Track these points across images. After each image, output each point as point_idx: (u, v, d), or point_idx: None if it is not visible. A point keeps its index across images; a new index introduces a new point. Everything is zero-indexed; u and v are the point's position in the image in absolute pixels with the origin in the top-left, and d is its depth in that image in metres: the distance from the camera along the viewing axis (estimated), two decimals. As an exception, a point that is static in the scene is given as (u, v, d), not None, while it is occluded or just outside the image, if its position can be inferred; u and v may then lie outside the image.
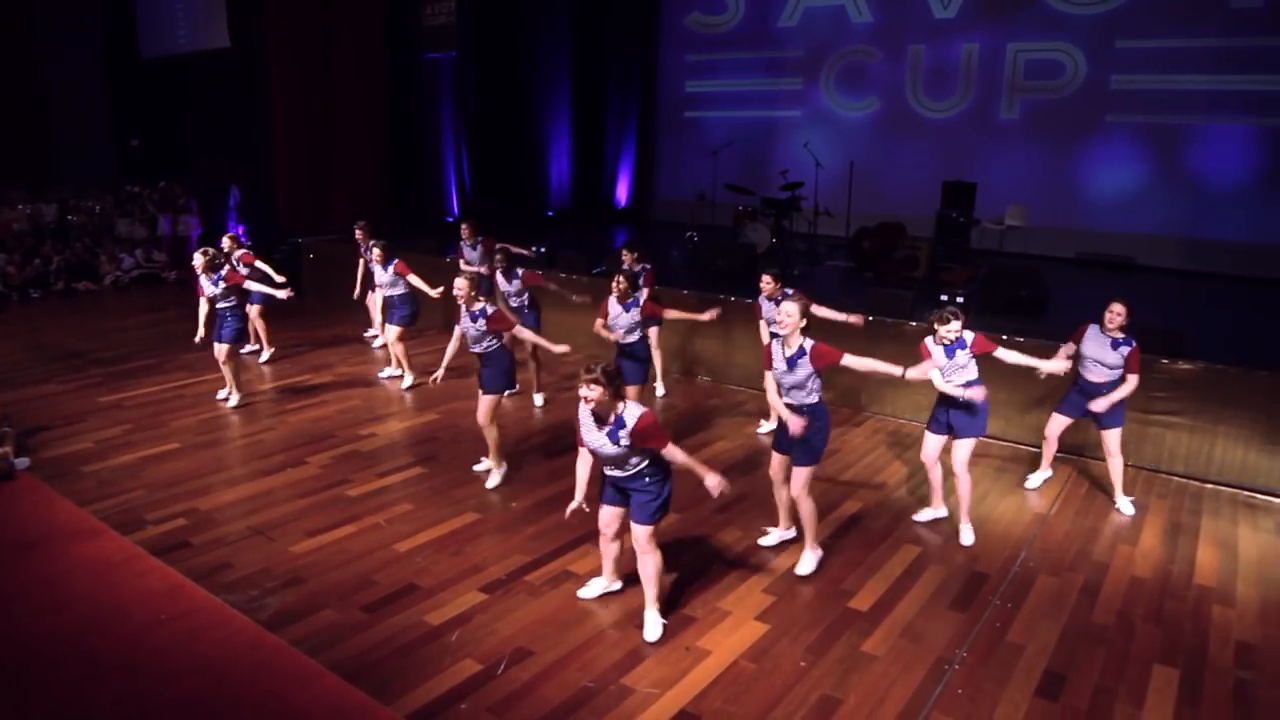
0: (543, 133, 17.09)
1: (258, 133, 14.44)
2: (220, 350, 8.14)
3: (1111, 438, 6.34)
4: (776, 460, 5.49)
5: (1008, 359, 5.72)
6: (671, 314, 7.25)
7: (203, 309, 8.16)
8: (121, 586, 5.06)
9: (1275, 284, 10.89)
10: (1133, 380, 6.07)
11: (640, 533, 4.60)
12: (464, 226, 10.00)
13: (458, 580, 5.23)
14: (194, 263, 8.09)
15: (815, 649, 4.62)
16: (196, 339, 8.25)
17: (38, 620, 4.72)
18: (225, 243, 9.54)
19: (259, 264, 9.49)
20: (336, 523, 5.94)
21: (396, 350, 9.02)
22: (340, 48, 14.39)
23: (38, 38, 16.44)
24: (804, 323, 5.07)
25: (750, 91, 15.54)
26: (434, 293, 8.53)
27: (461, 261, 9.83)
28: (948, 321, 5.54)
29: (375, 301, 10.00)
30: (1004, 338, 7.36)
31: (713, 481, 4.44)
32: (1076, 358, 6.31)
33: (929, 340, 5.72)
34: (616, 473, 4.57)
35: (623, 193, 17.12)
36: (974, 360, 5.66)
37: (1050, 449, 6.75)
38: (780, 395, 5.26)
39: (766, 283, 7.03)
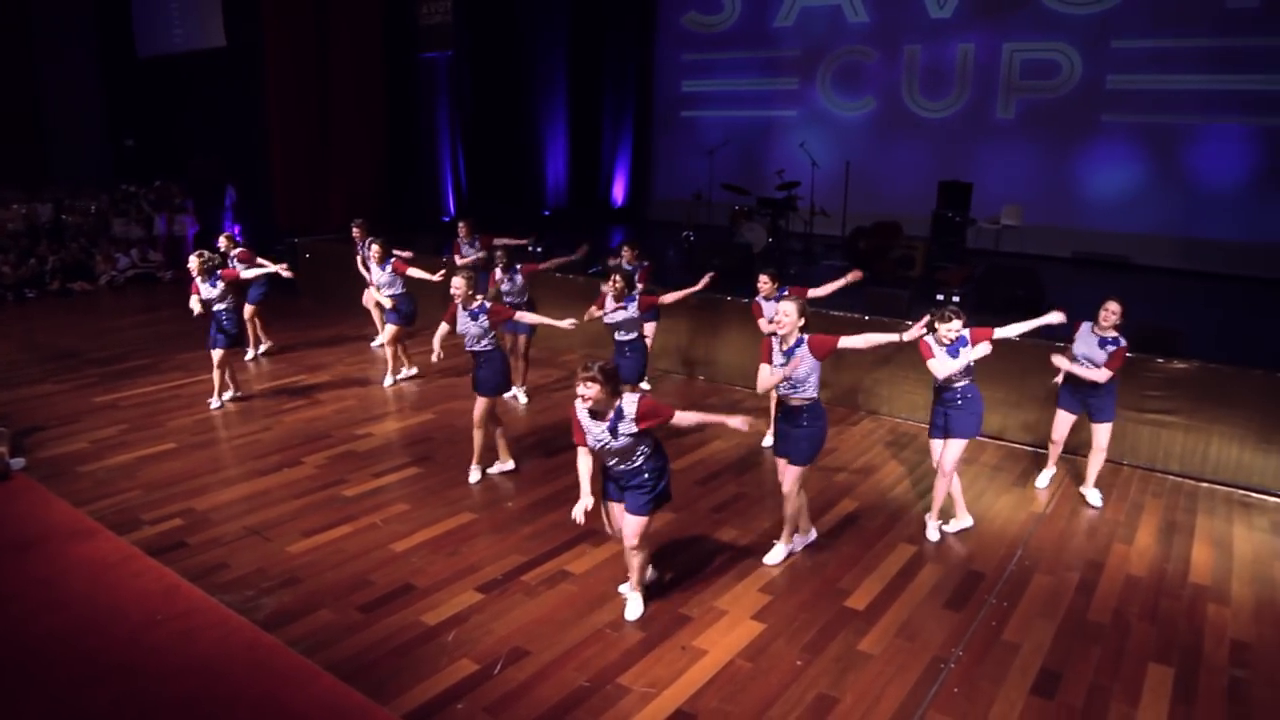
0: (539, 132, 17.07)
1: (254, 132, 14.43)
2: (216, 355, 8.12)
3: (1101, 431, 6.37)
4: (782, 465, 5.50)
5: (1010, 334, 5.68)
6: (668, 298, 7.23)
7: (195, 308, 8.01)
8: (118, 587, 5.06)
9: (1270, 283, 10.92)
10: (1104, 374, 6.05)
11: (633, 524, 4.62)
12: (461, 225, 9.97)
13: (454, 580, 5.23)
14: (189, 265, 8.04)
15: (811, 648, 4.63)
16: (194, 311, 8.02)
17: (34, 620, 4.72)
18: (222, 242, 9.53)
19: (258, 260, 9.51)
20: (333, 523, 5.94)
21: (389, 350, 9.01)
22: (337, 47, 14.37)
23: (32, 37, 16.41)
24: (802, 321, 5.08)
25: (746, 91, 15.54)
26: (436, 276, 8.51)
27: (458, 258, 9.81)
28: (948, 320, 5.53)
29: (371, 300, 9.97)
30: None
31: (736, 422, 4.51)
32: (1070, 358, 6.32)
33: (930, 339, 5.70)
34: (621, 467, 4.58)
35: (619, 192, 17.12)
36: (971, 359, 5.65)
37: (1056, 449, 6.78)
38: (777, 392, 5.26)
39: (764, 283, 7.03)
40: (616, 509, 4.80)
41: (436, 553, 5.56)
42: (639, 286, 7.99)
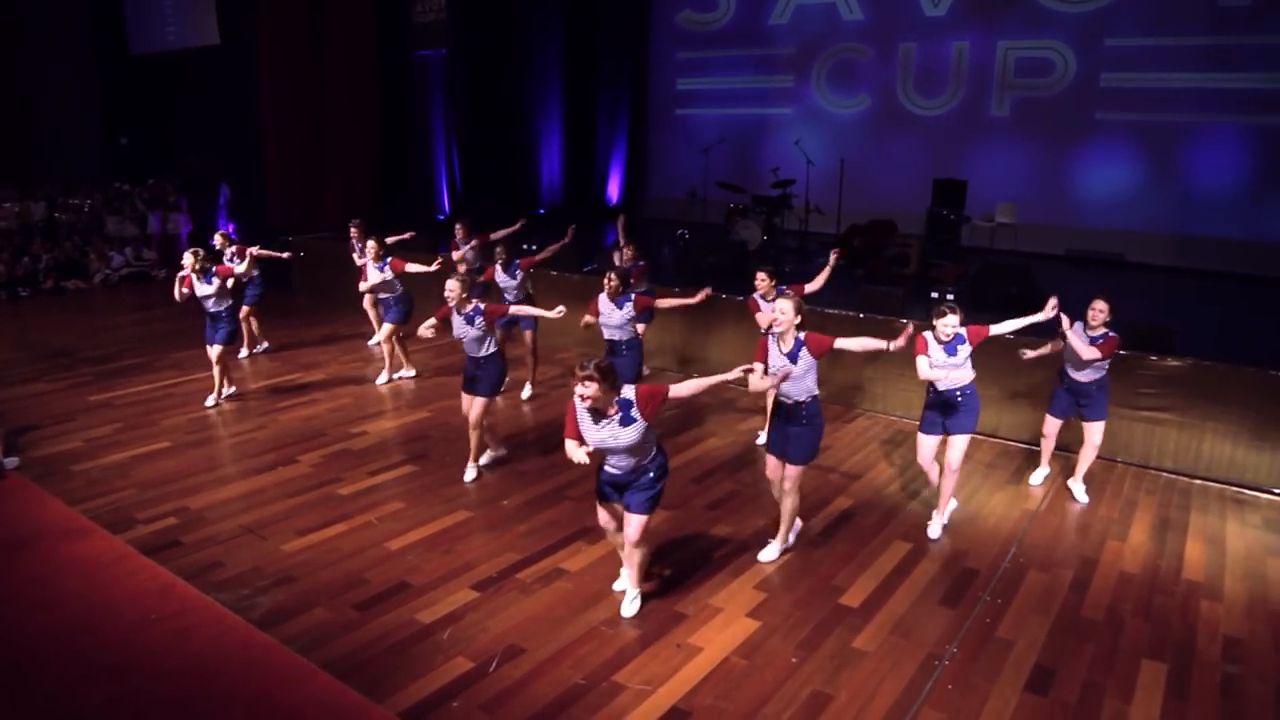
0: (534, 130, 17.05)
1: (248, 130, 14.41)
2: (213, 352, 8.10)
3: (1094, 429, 6.39)
4: (773, 463, 5.51)
5: (1005, 330, 5.67)
6: (664, 303, 7.19)
7: (178, 295, 7.94)
8: (112, 586, 5.05)
9: (1264, 281, 10.96)
10: (1094, 353, 6.02)
11: (636, 523, 4.61)
12: (458, 226, 9.92)
13: (449, 578, 5.23)
14: (184, 263, 8.01)
15: (806, 645, 4.64)
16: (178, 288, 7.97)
17: (29, 619, 4.71)
18: (217, 240, 9.51)
19: (253, 251, 9.53)
20: (328, 521, 5.93)
21: (385, 348, 9.00)
22: (331, 44, 14.34)
23: (26, 34, 16.35)
24: (799, 319, 5.08)
25: (741, 89, 15.55)
26: (433, 266, 8.50)
27: (454, 255, 9.78)
28: (944, 315, 5.54)
29: (376, 302, 9.94)
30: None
31: (733, 375, 4.54)
32: (1062, 357, 6.34)
33: (929, 335, 5.70)
34: (625, 464, 4.56)
35: (614, 190, 17.11)
36: (970, 357, 5.66)
37: (1049, 445, 6.80)
38: (776, 391, 5.26)
39: (762, 280, 7.01)
40: (607, 511, 4.82)
41: (431, 551, 5.56)
42: (634, 285, 8.00)
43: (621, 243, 8.78)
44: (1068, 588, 5.30)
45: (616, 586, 5.13)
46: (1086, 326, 6.15)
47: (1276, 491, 6.74)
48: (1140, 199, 12.16)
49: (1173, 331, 7.32)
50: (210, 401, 8.26)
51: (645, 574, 4.94)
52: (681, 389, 4.56)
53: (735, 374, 4.61)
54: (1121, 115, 12.18)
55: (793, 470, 5.29)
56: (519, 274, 8.41)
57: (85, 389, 8.72)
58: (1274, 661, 4.63)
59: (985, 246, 12.34)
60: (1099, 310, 6.08)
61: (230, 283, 8.20)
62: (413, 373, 9.28)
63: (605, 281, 7.02)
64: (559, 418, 8.06)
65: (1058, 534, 6.02)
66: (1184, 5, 11.50)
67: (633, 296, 7.02)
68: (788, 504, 5.39)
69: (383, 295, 8.94)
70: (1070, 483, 6.62)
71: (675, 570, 5.36)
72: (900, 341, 5.21)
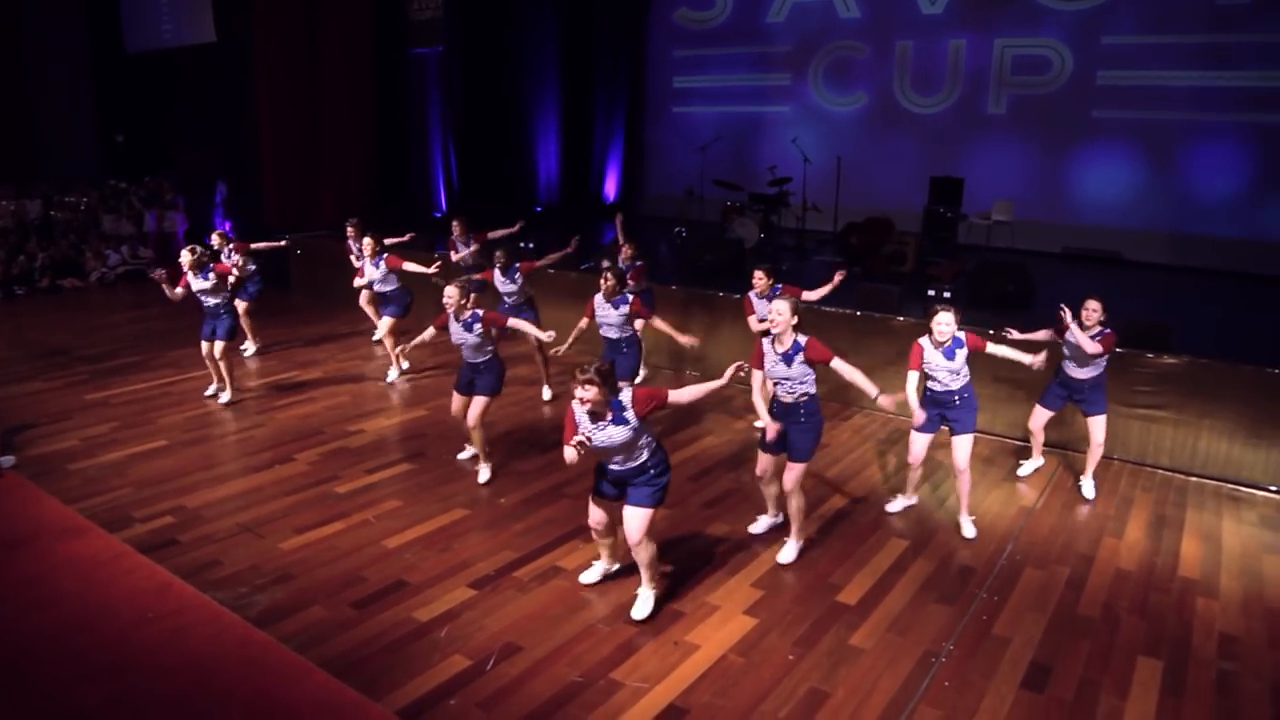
0: (531, 128, 17.05)
1: (244, 128, 14.39)
2: (217, 347, 8.08)
3: (1096, 426, 6.41)
4: (764, 460, 5.52)
5: (998, 353, 5.74)
6: (659, 325, 7.01)
7: (178, 290, 7.91)
8: (109, 584, 5.04)
9: (1261, 279, 10.97)
10: (1097, 348, 6.05)
11: (636, 517, 4.59)
12: (455, 224, 9.91)
13: (446, 576, 5.23)
14: (181, 260, 7.98)
15: (803, 642, 4.65)
16: (162, 280, 7.87)
17: (25, 619, 4.70)
18: (215, 240, 9.50)
19: (252, 246, 9.60)
20: (325, 519, 5.93)
21: (388, 343, 8.99)
22: (327, 42, 14.32)
23: (22, 32, 16.32)
24: (795, 320, 5.08)
25: (738, 87, 15.54)
26: (432, 269, 8.49)
27: (453, 255, 9.79)
28: (938, 314, 5.55)
29: (373, 299, 9.93)
30: (990, 332, 7.42)
31: (725, 379, 4.51)
32: (1061, 353, 6.36)
33: (925, 342, 5.70)
34: (626, 464, 4.56)
35: (611, 188, 17.10)
36: (967, 362, 5.67)
37: (1038, 440, 6.84)
38: (773, 387, 5.26)
39: (759, 278, 7.02)
40: (600, 511, 4.84)
41: (429, 549, 5.56)
42: (631, 285, 7.99)
43: (620, 241, 8.77)
44: (1064, 585, 5.31)
45: (584, 579, 5.15)
46: (1081, 327, 6.16)
47: (1272, 489, 6.75)
48: (1137, 197, 12.16)
49: (1170, 329, 7.33)
50: (224, 398, 8.22)
51: (655, 574, 4.86)
52: (680, 395, 4.57)
53: (727, 376, 4.57)
54: (1118, 113, 12.19)
55: (794, 469, 5.27)
56: (519, 278, 8.31)
57: (81, 387, 8.71)
58: (1269, 658, 4.64)
59: (982, 244, 12.35)
60: (1092, 310, 6.10)
61: (231, 279, 8.20)
62: (405, 365, 9.27)
63: (601, 281, 7.01)
64: (553, 416, 8.07)
65: (1054, 531, 6.03)
66: (1181, 3, 11.50)
67: (630, 299, 7.00)
68: (793, 504, 5.37)
69: (381, 290, 8.94)
70: (1081, 480, 6.63)
71: (673, 568, 5.36)
72: (883, 400, 5.15)
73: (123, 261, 14.65)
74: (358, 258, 9.52)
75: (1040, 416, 6.67)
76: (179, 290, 7.89)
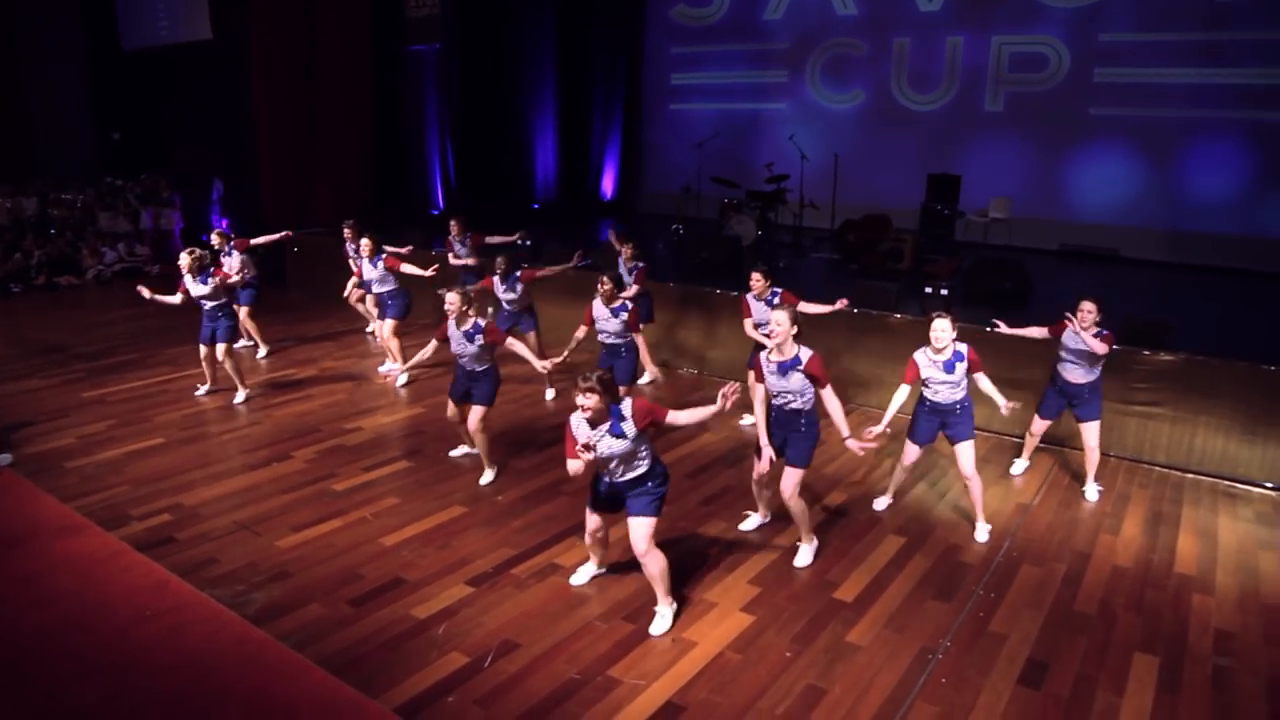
0: (528, 125, 17.04)
1: (241, 125, 14.37)
2: (218, 350, 8.05)
3: (1089, 431, 6.41)
4: (759, 468, 5.52)
5: (982, 386, 5.71)
6: (640, 342, 7.07)
7: (174, 298, 7.91)
8: (106, 582, 5.04)
9: (1258, 276, 11.00)
10: (1103, 347, 6.02)
11: (640, 527, 4.57)
12: (453, 223, 9.85)
13: (444, 574, 5.23)
14: (180, 262, 7.91)
15: (801, 639, 4.65)
16: (147, 294, 7.83)
17: (23, 617, 4.70)
18: (214, 239, 9.48)
19: (253, 241, 9.65)
20: (322, 517, 5.93)
21: (392, 345, 8.96)
22: (324, 39, 14.29)
23: (17, 29, 16.27)
24: (795, 329, 5.02)
25: (736, 84, 15.55)
26: (429, 271, 8.49)
27: (450, 255, 9.78)
28: (933, 320, 5.53)
29: (364, 297, 9.92)
30: (987, 329, 7.45)
31: (719, 406, 4.36)
32: (1057, 358, 6.36)
33: (921, 357, 5.68)
34: (625, 474, 4.54)
35: (608, 185, 17.11)
36: (966, 375, 5.67)
37: (1033, 443, 6.85)
38: (771, 400, 5.22)
39: (757, 281, 7.00)
40: (596, 520, 4.85)
41: (426, 546, 5.57)
42: (633, 289, 8.00)
43: (616, 245, 8.71)
44: (1060, 582, 5.32)
45: (574, 581, 5.15)
46: (1078, 329, 6.16)
47: (1268, 485, 6.77)
48: (1134, 194, 12.19)
49: (1166, 326, 7.34)
50: (239, 398, 8.21)
51: (668, 589, 4.76)
52: (678, 417, 4.52)
53: (724, 404, 4.38)
54: (1115, 110, 12.21)
55: (793, 474, 5.24)
56: (519, 286, 8.24)
57: (78, 385, 8.69)
58: (1265, 654, 4.66)
59: (979, 241, 12.37)
60: (1087, 312, 6.07)
61: (236, 279, 8.22)
62: (398, 366, 9.25)
63: (599, 286, 6.99)
64: (554, 414, 8.07)
65: (1050, 528, 6.04)
66: (1178, 0, 11.52)
67: (629, 307, 7.01)
68: (794, 510, 5.34)
69: (380, 291, 8.93)
70: (1085, 487, 6.60)
71: (670, 565, 5.36)
72: (851, 443, 5.09)
73: (119, 259, 14.62)
74: (355, 258, 9.52)
75: (1039, 425, 6.69)
76: (175, 298, 7.90)
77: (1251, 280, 10.87)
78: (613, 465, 4.52)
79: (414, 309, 9.26)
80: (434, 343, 6.45)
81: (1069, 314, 6.07)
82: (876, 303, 8.45)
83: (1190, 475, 7.02)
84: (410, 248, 10.11)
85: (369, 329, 10.52)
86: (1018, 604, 5.06)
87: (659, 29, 16.35)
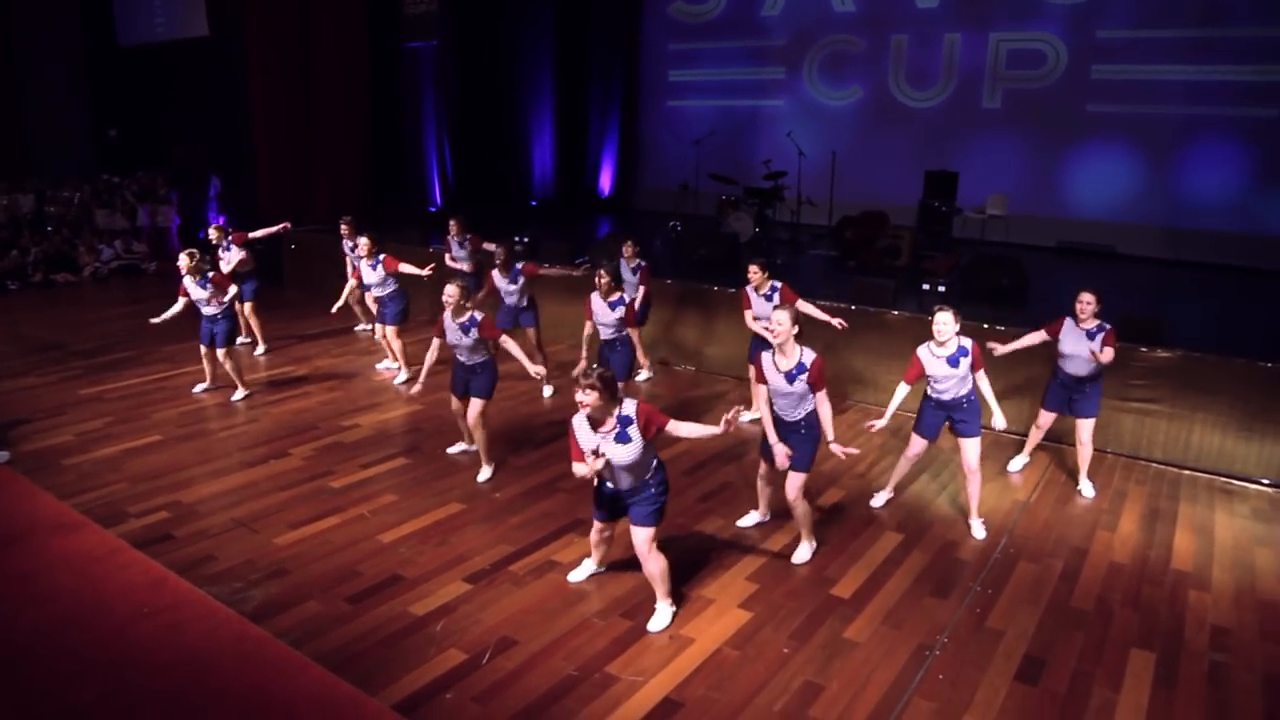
0: (525, 122, 17.03)
1: (238, 122, 14.32)
2: (219, 352, 8.04)
3: (1084, 427, 6.43)
4: (765, 469, 5.52)
5: (981, 386, 5.70)
6: (635, 338, 7.14)
7: (178, 306, 7.95)
8: (104, 580, 5.04)
9: (1256, 273, 11.01)
10: (1109, 354, 6.04)
11: (642, 536, 4.58)
12: (452, 223, 9.79)
13: (442, 571, 5.23)
14: (179, 264, 7.89)
15: (798, 636, 4.66)
16: (156, 320, 8.04)
17: (20, 615, 4.69)
18: (212, 234, 9.46)
19: (251, 235, 9.66)
20: (320, 514, 5.93)
21: (395, 347, 8.92)
22: (321, 36, 14.26)
23: (13, 27, 16.21)
24: (796, 329, 5.00)
25: (733, 81, 15.54)
26: (425, 271, 8.48)
27: (447, 257, 9.75)
28: (935, 314, 5.53)
29: (363, 297, 9.90)
30: (985, 326, 7.47)
31: (721, 428, 4.30)
32: (1057, 354, 6.37)
33: (924, 353, 5.67)
34: (622, 480, 4.53)
35: (606, 182, 17.09)
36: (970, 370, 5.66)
37: (1037, 436, 6.85)
38: (771, 407, 5.21)
39: (754, 273, 7.02)
40: (600, 525, 4.87)
41: (424, 543, 5.57)
42: (641, 291, 8.00)
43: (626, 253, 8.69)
44: (1057, 578, 5.33)
45: (572, 578, 5.15)
46: (1077, 321, 6.17)
47: (1264, 482, 6.79)
48: (1131, 191, 12.19)
49: (1164, 323, 7.35)
50: (238, 395, 8.21)
51: (669, 588, 4.77)
52: (678, 428, 4.49)
53: (721, 429, 4.32)
54: (1113, 108, 12.21)
55: (796, 477, 5.23)
56: (521, 279, 8.25)
57: (76, 382, 8.68)
58: (1261, 650, 4.67)
59: (976, 238, 12.37)
60: (1086, 303, 6.09)
61: (233, 286, 8.22)
62: (397, 365, 9.25)
63: (596, 280, 7.01)
64: (552, 411, 8.07)
65: (1048, 524, 6.05)
66: (1175, -3, 11.54)
67: (625, 301, 7.03)
68: (798, 512, 5.33)
69: (378, 293, 8.90)
70: (1080, 484, 6.61)
71: (667, 562, 5.36)
72: (839, 448, 5.04)
73: (116, 256, 14.60)
74: (353, 257, 9.49)
75: (1045, 418, 6.69)
76: (178, 306, 7.93)
77: (1248, 277, 10.88)
78: (622, 474, 4.51)
79: (413, 309, 9.25)
80: (436, 341, 6.48)
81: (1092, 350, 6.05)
82: (874, 300, 8.45)
83: (1187, 472, 7.03)
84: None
85: (357, 327, 10.50)
86: (1015, 600, 5.07)
87: (656, 25, 16.33)
